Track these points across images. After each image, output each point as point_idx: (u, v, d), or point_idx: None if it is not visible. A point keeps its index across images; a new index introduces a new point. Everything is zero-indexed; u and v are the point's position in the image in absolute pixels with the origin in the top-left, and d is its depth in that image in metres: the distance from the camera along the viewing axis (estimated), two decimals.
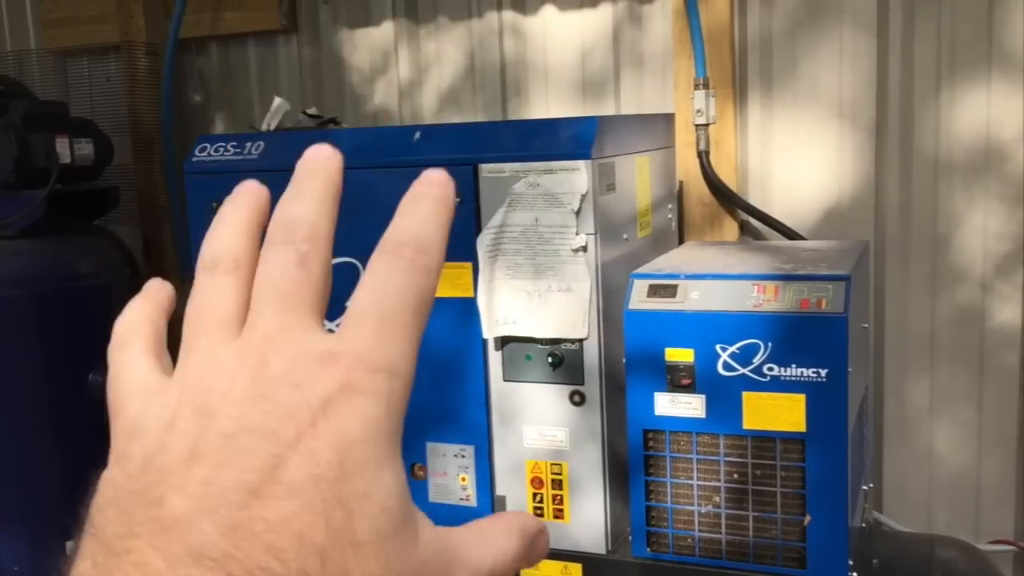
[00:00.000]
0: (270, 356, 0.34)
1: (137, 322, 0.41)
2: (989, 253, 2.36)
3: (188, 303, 0.38)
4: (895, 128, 2.42)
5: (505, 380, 1.87)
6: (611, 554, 1.85)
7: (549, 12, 2.71)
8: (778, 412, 1.67)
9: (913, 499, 2.50)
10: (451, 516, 1.94)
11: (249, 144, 2.05)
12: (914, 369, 2.45)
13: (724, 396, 1.69)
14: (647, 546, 1.79)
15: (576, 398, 1.83)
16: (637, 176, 2.02)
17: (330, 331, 0.36)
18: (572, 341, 1.81)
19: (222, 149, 2.06)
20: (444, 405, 1.91)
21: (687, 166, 2.49)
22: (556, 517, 1.87)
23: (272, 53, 3.10)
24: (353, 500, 0.32)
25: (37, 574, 2.53)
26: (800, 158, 2.49)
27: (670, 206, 2.30)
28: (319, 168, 0.41)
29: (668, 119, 2.39)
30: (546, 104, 2.75)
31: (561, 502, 1.86)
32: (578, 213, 1.76)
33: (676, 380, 1.72)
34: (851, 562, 1.68)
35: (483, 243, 1.83)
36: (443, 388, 1.90)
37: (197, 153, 2.08)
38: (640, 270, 1.82)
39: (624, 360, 1.76)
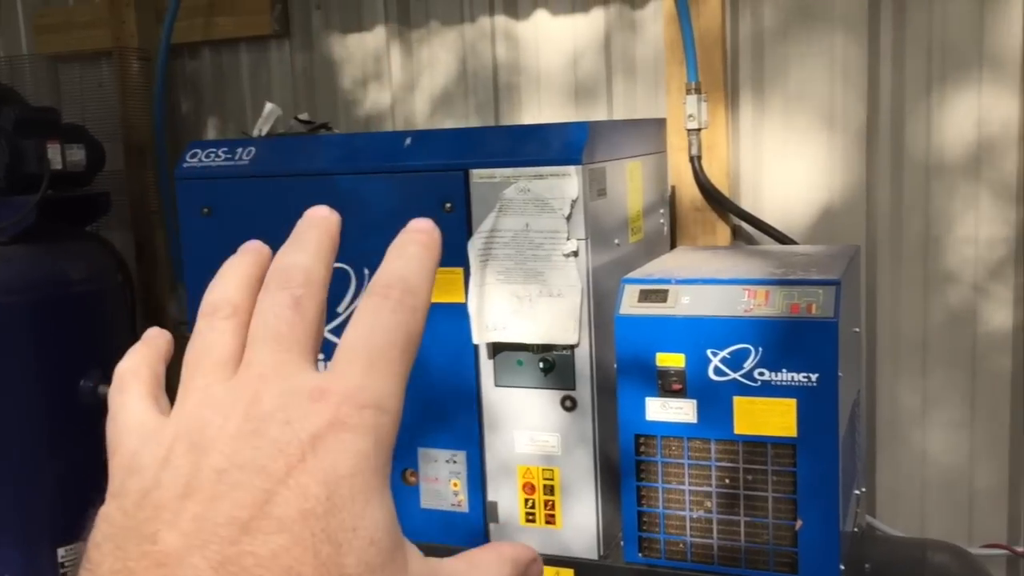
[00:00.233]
0: (263, 393, 0.35)
1: (136, 366, 0.42)
2: (980, 256, 2.36)
3: (188, 347, 0.40)
4: (886, 132, 2.42)
5: (496, 385, 1.87)
6: (603, 559, 1.85)
7: (541, 17, 2.72)
8: (769, 417, 1.67)
9: (906, 503, 2.50)
10: (443, 522, 1.94)
11: (240, 150, 2.05)
12: (906, 373, 2.46)
13: (715, 401, 1.69)
14: (639, 551, 1.79)
15: (567, 403, 1.82)
16: (628, 181, 2.02)
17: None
18: (563, 346, 1.81)
19: (213, 155, 2.05)
20: (435, 411, 1.91)
21: (679, 171, 2.50)
22: (548, 522, 1.87)
23: (264, 58, 3.10)
24: (341, 534, 0.33)
25: None
26: (791, 162, 2.49)
27: (662, 211, 2.30)
28: (317, 223, 0.42)
29: (660, 124, 2.39)
30: (538, 109, 2.75)
31: (553, 507, 1.86)
32: (569, 218, 1.76)
33: (667, 385, 1.72)
34: (843, 567, 1.68)
35: (474, 248, 1.83)
36: (434, 394, 1.90)
37: (188, 159, 2.08)
38: (631, 275, 1.82)
39: (615, 365, 1.76)
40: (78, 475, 2.60)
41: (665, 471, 1.75)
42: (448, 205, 1.85)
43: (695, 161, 2.46)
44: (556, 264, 1.78)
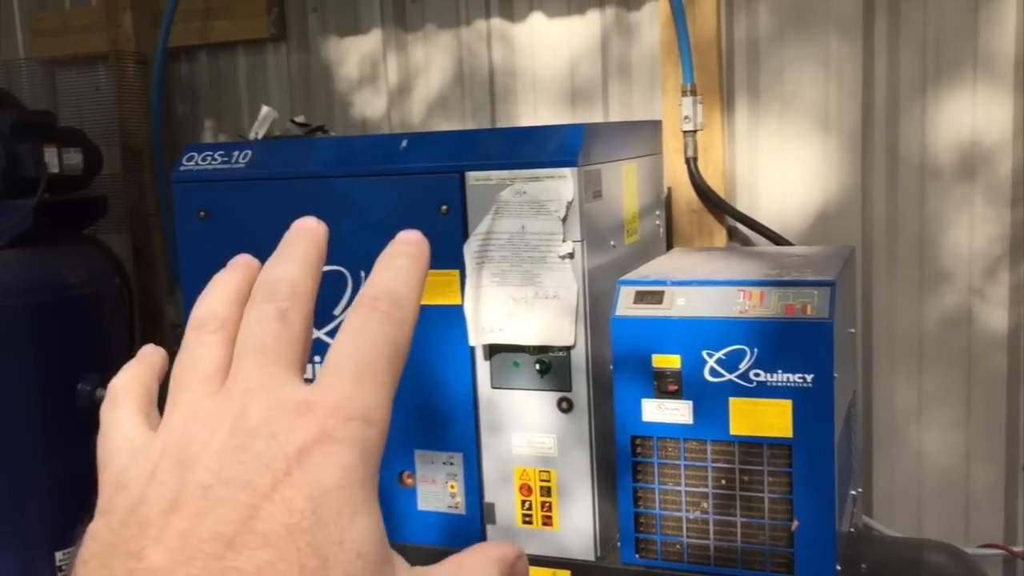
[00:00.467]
0: (249, 407, 0.35)
1: (129, 383, 0.43)
2: (976, 256, 2.37)
3: (175, 362, 0.40)
4: (881, 133, 2.43)
5: (493, 387, 1.88)
6: (600, 561, 1.85)
7: (537, 19, 2.72)
8: (765, 418, 1.67)
9: (902, 503, 2.50)
10: (440, 524, 1.94)
11: (236, 153, 2.05)
12: (902, 373, 2.46)
13: (711, 402, 1.70)
14: (636, 552, 1.79)
15: (564, 405, 1.83)
16: (624, 183, 2.03)
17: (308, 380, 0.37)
18: (559, 348, 1.81)
19: (209, 158, 2.06)
20: (432, 413, 1.91)
21: (675, 173, 2.50)
22: (545, 524, 1.87)
23: (261, 61, 3.11)
24: (328, 547, 0.33)
25: None
26: (787, 163, 2.50)
27: (658, 212, 2.30)
28: (304, 234, 0.42)
29: (655, 126, 2.40)
30: (534, 111, 2.75)
31: (550, 509, 1.87)
32: (565, 220, 1.77)
33: (663, 386, 1.72)
34: (839, 567, 1.69)
35: (470, 250, 1.83)
36: (431, 396, 1.90)
37: (185, 162, 2.08)
38: (627, 277, 1.83)
39: (611, 367, 1.77)
40: (76, 478, 2.60)
41: (661, 472, 1.75)
42: (444, 207, 1.85)
43: (691, 163, 2.47)
44: (552, 266, 1.78)
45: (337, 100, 3.01)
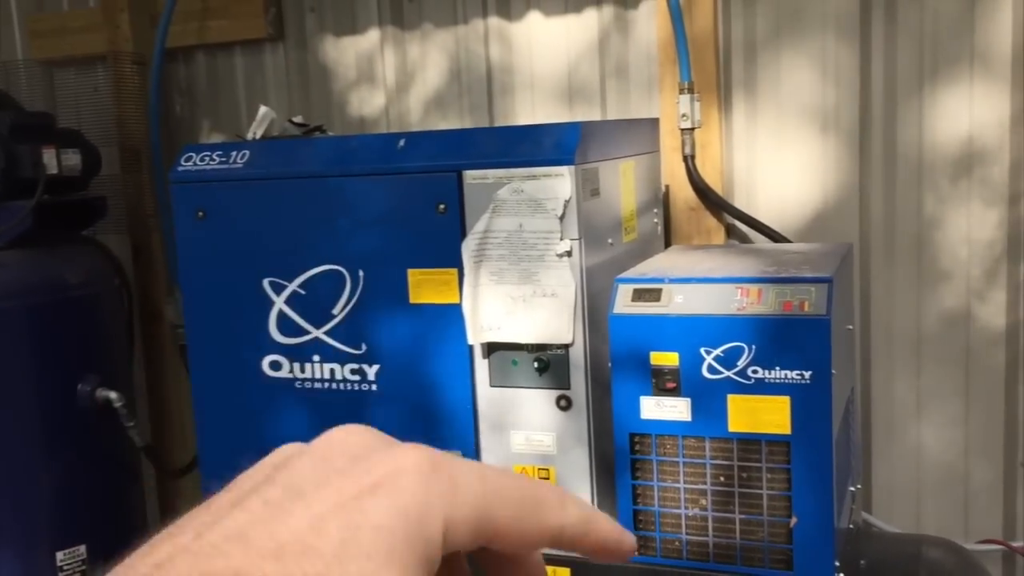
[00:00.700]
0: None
1: None
2: (974, 253, 2.37)
3: None
4: (878, 130, 2.43)
5: (491, 386, 1.88)
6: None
7: (534, 18, 2.72)
8: (763, 414, 1.67)
9: (902, 500, 2.51)
10: None
11: (234, 153, 2.05)
12: (901, 369, 2.46)
13: (709, 399, 1.70)
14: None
15: (562, 403, 1.83)
16: (622, 181, 2.03)
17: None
18: (558, 346, 1.81)
19: (207, 158, 2.06)
20: (431, 411, 1.91)
21: (673, 170, 2.50)
22: None
23: (259, 61, 3.11)
24: None
25: None
26: (785, 161, 2.50)
27: (656, 210, 2.30)
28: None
29: (653, 124, 2.40)
30: (532, 109, 2.76)
31: None
32: (562, 219, 1.77)
33: (661, 384, 1.72)
34: (837, 563, 1.69)
35: (468, 249, 1.83)
36: (430, 394, 1.91)
37: (183, 162, 2.08)
38: (624, 274, 1.83)
39: (610, 364, 1.77)
40: (76, 478, 2.61)
41: (660, 469, 1.76)
42: (442, 206, 1.85)
43: (688, 160, 2.47)
44: (550, 264, 1.79)
45: (335, 100, 3.01)
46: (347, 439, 0.36)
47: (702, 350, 1.69)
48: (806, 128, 2.48)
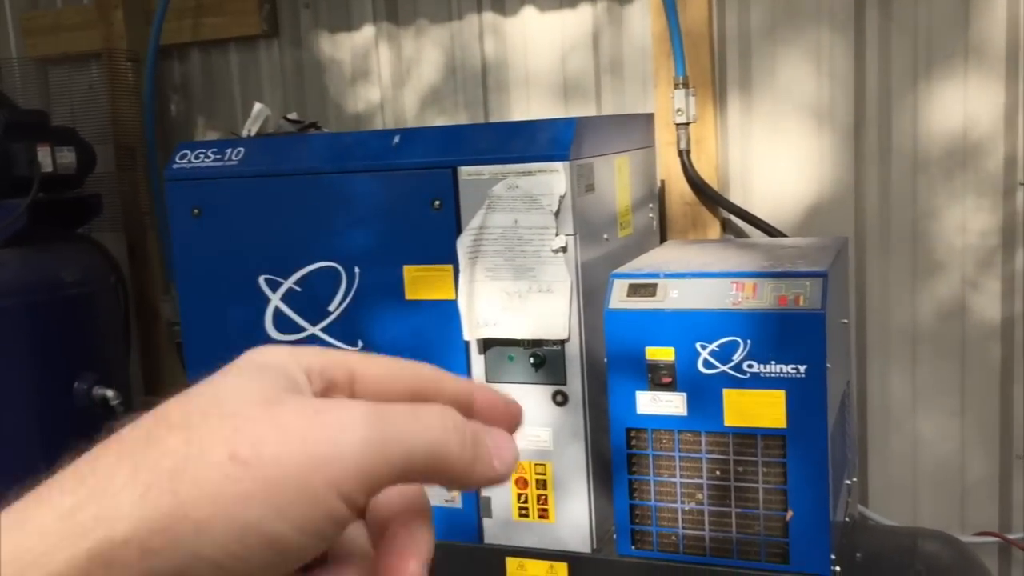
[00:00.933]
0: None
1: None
2: (969, 246, 2.38)
3: None
4: (873, 124, 2.43)
5: (488, 381, 1.88)
6: (596, 553, 1.86)
7: (529, 13, 2.72)
8: (758, 409, 1.68)
9: (898, 493, 2.51)
10: (437, 518, 1.94)
11: (229, 150, 2.05)
12: (897, 363, 2.47)
13: (705, 394, 1.70)
14: (631, 544, 1.80)
15: (559, 398, 1.83)
16: (616, 176, 2.03)
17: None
18: (554, 341, 1.82)
19: (202, 155, 2.06)
20: None
21: (668, 165, 2.50)
22: (541, 517, 1.88)
23: (254, 58, 3.11)
24: None
25: None
26: (780, 155, 2.50)
27: (651, 205, 2.31)
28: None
29: (648, 119, 2.40)
30: (527, 105, 2.76)
31: (546, 502, 1.87)
32: (557, 214, 1.77)
33: (657, 379, 1.73)
34: (834, 556, 1.69)
35: (463, 245, 1.83)
36: None
37: (177, 160, 2.08)
38: (620, 270, 1.83)
39: (606, 359, 1.77)
40: None
41: (656, 464, 1.76)
42: (437, 203, 1.85)
43: (684, 155, 2.47)
44: (545, 260, 1.79)
45: (330, 96, 3.01)
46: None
47: (698, 345, 1.70)
48: (801, 122, 2.48)
